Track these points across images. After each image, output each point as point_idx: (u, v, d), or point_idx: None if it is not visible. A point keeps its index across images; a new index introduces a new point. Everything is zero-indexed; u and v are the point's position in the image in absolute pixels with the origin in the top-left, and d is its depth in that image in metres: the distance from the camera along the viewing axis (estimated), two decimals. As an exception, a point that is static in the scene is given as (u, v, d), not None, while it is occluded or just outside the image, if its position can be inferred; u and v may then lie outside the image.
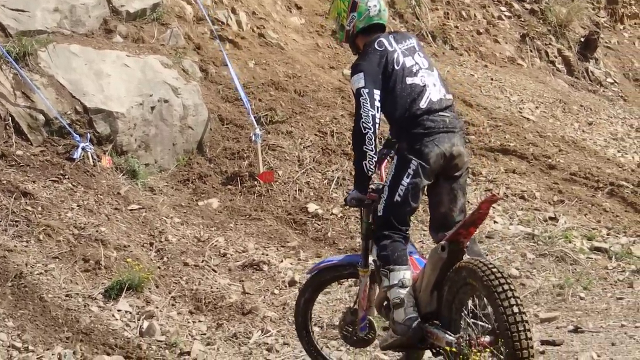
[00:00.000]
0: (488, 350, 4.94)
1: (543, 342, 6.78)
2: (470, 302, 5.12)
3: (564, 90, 13.67)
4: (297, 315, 6.30)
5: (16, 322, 7.13)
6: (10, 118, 9.32)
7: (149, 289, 7.81)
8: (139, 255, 8.20)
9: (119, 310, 7.54)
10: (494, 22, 14.53)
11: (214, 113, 10.59)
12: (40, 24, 10.19)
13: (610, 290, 8.18)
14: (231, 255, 8.71)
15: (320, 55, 12.27)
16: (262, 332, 7.51)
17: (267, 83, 11.14)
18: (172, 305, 7.79)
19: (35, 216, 8.36)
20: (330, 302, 7.87)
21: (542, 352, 6.53)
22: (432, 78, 5.60)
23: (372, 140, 5.42)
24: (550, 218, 9.60)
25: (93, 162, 9.33)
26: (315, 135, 10.55)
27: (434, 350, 5.46)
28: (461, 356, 5.00)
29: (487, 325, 5.01)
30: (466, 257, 5.25)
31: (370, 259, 5.73)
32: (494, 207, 9.57)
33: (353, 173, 5.88)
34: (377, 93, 5.46)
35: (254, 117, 10.32)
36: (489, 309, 4.96)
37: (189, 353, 7.13)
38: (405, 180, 5.43)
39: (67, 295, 7.58)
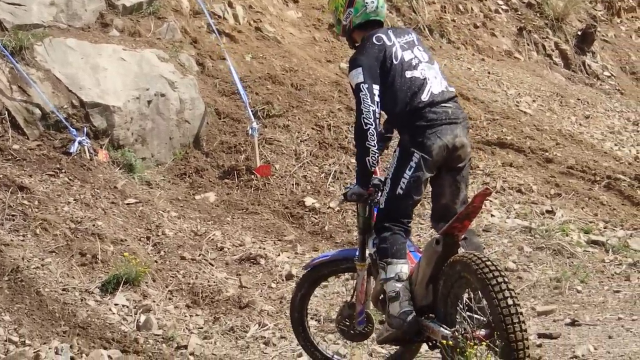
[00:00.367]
0: (484, 343, 4.95)
1: (540, 335, 6.79)
2: (465, 296, 5.12)
3: (561, 84, 13.66)
4: (293, 311, 6.29)
5: (13, 316, 7.11)
6: (6, 112, 9.30)
7: (146, 282, 7.80)
8: (136, 249, 8.19)
9: (115, 304, 7.53)
10: (491, 16, 14.50)
11: (211, 107, 10.57)
12: (36, 17, 10.16)
13: (607, 283, 8.20)
14: (228, 249, 8.71)
15: (317, 48, 12.25)
16: (259, 325, 7.50)
17: (264, 77, 11.12)
18: (169, 299, 7.78)
19: (31, 210, 8.34)
20: (327, 295, 7.87)
21: (539, 345, 6.54)
22: (432, 71, 5.58)
23: (374, 135, 5.40)
24: (547, 211, 9.60)
25: (90, 156, 9.31)
26: (312, 129, 10.54)
27: (430, 344, 5.47)
28: (457, 349, 5.00)
29: (482, 318, 5.02)
30: (461, 250, 5.25)
31: (367, 252, 5.74)
32: (491, 201, 9.58)
33: (351, 167, 5.87)
34: (376, 88, 5.44)
35: (251, 111, 10.31)
36: (484, 302, 4.96)
37: (186, 347, 7.11)
38: (408, 173, 5.42)
39: (63, 290, 7.56)
